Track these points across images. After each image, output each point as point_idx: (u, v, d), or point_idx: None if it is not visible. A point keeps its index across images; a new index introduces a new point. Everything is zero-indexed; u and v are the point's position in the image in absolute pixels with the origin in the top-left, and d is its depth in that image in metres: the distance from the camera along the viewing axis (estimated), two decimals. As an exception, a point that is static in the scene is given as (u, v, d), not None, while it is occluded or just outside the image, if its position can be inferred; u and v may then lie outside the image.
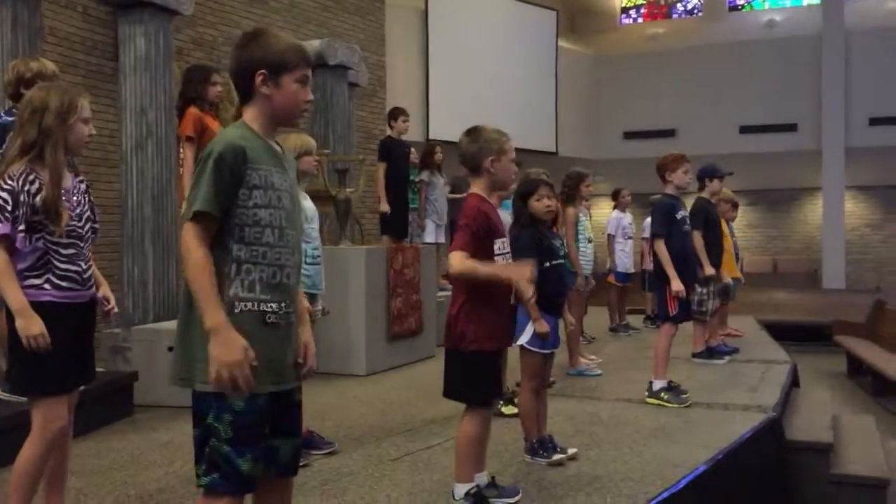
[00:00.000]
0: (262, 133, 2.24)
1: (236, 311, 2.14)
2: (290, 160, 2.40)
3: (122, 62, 6.52)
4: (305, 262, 3.97)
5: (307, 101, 2.29)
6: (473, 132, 3.26)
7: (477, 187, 3.26)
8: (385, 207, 7.80)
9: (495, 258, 3.20)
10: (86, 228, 2.86)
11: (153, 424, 4.73)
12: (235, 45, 2.30)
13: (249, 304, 2.16)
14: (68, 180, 2.83)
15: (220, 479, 2.13)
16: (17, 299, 2.67)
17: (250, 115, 2.25)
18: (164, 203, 6.35)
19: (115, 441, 4.44)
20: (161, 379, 5.12)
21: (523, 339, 3.84)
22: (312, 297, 4.10)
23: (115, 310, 3.02)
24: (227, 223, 2.15)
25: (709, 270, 6.26)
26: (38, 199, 2.68)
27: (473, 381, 3.17)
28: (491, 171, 3.22)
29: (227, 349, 2.04)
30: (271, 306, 2.19)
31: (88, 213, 2.90)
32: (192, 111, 5.09)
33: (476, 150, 3.22)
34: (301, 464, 3.73)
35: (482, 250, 3.14)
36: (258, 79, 2.20)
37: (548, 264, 3.90)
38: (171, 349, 5.15)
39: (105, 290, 2.98)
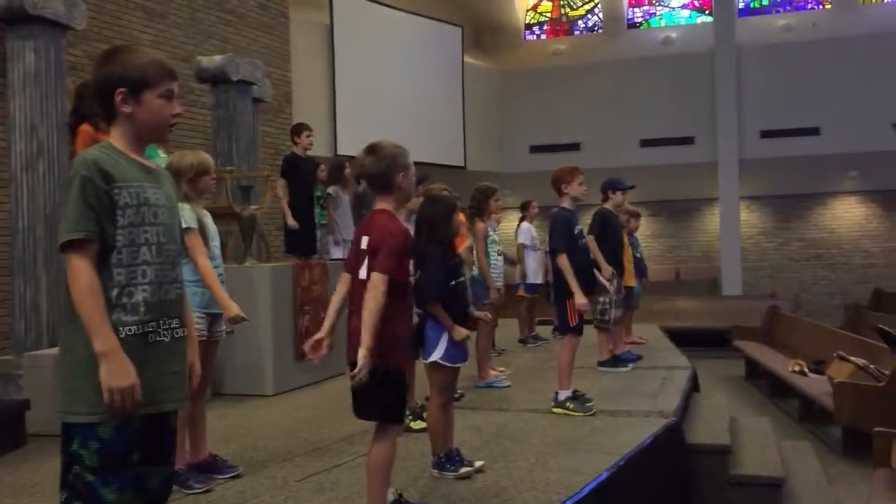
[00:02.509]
0: (128, 150, 2.23)
1: (121, 335, 2.12)
2: (165, 173, 2.39)
3: (10, 78, 6.27)
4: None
5: (174, 114, 2.28)
6: (376, 149, 3.19)
7: (386, 204, 3.20)
8: (292, 222, 7.70)
9: (411, 278, 3.18)
10: None
11: (47, 454, 4.51)
12: (95, 65, 2.27)
13: (133, 328, 2.14)
14: None
15: None
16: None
17: (115, 133, 2.24)
18: (57, 224, 6.11)
19: (5, 473, 4.25)
20: (56, 406, 4.92)
21: (436, 356, 3.84)
22: (215, 318, 4.03)
23: None
24: (106, 247, 2.13)
25: (606, 270, 6.39)
26: None
27: (391, 400, 3.12)
28: (402, 187, 3.20)
29: (120, 374, 2.05)
30: (152, 325, 2.18)
31: None
32: (86, 129, 4.89)
33: (385, 167, 3.16)
34: (203, 489, 3.69)
35: (400, 272, 3.08)
36: (118, 97, 2.19)
37: (453, 282, 3.93)
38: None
39: None
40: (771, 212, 17.64)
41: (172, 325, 2.23)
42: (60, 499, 2.12)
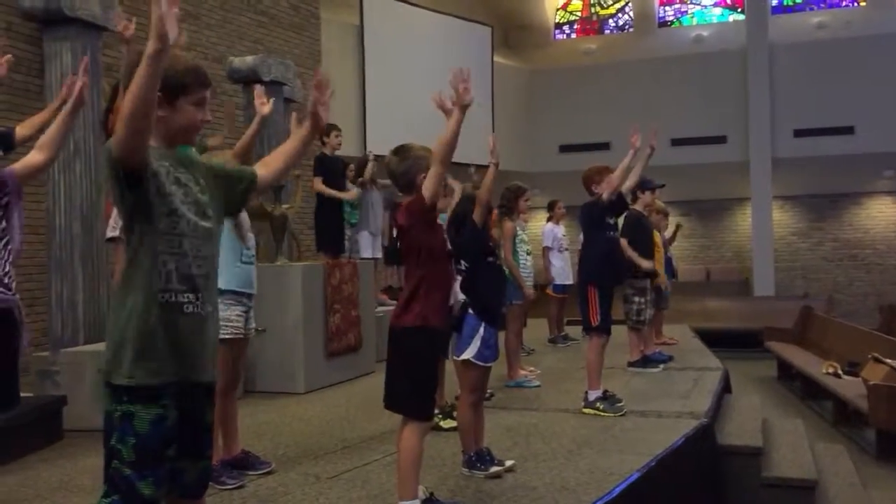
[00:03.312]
0: (160, 147, 2.27)
1: (161, 300, 2.16)
2: (197, 157, 2.45)
3: (48, 79, 6.37)
4: (241, 262, 3.96)
5: (204, 121, 2.33)
6: (401, 151, 3.31)
7: None
8: (350, 195, 7.82)
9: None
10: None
11: (83, 450, 4.59)
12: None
13: (168, 296, 2.18)
14: None
15: (120, 502, 2.13)
16: None
17: None
18: (94, 222, 6.20)
19: (43, 468, 4.32)
20: (91, 402, 5.00)
21: (469, 354, 3.86)
22: (249, 310, 4.06)
23: None
24: (146, 212, 2.17)
25: (646, 265, 6.52)
26: None
27: (418, 393, 3.17)
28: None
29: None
30: (188, 297, 2.21)
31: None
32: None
33: (406, 168, 3.26)
34: (235, 485, 3.73)
35: (431, 262, 3.22)
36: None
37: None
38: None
39: None
40: (804, 211, 17.41)
41: (205, 303, 2.26)
42: (102, 492, 2.17)
